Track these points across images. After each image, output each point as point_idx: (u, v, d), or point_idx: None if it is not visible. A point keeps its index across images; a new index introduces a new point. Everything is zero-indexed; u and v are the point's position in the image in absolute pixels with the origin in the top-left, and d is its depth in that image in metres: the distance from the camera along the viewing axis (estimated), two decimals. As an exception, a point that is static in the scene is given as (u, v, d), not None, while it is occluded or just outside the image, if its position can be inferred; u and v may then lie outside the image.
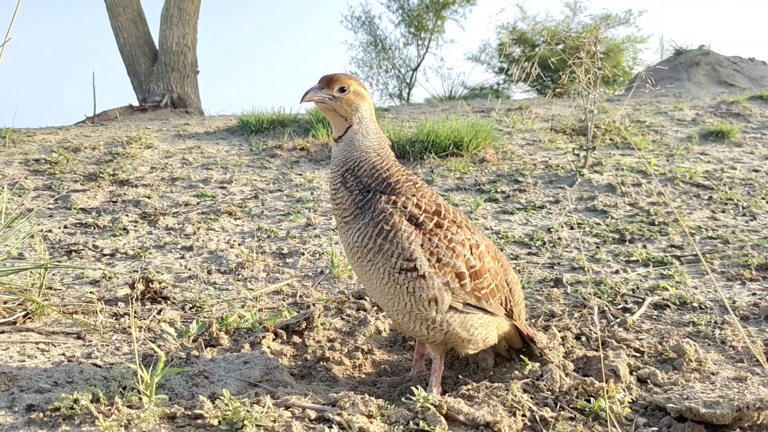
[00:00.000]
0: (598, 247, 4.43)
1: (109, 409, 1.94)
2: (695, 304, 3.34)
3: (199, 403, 2.06)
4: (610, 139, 7.58)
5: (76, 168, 6.42)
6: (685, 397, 2.17)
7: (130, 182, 6.05)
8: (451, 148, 6.86)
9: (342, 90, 2.31)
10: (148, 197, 5.59)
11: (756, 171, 6.67)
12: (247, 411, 1.93)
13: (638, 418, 2.14)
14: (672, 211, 5.26)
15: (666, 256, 4.16)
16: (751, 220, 5.09)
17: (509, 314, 2.49)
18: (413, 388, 2.13)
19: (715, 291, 3.60)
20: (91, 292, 3.50)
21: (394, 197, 2.27)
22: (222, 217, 5.12)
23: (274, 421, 1.97)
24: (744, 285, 3.68)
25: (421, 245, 2.22)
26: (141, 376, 2.04)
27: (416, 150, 6.79)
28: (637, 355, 2.71)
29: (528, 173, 6.27)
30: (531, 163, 6.66)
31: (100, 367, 2.47)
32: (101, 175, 6.11)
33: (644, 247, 4.42)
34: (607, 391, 2.24)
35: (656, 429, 2.08)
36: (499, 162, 6.75)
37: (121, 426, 1.89)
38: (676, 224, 4.90)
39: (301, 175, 6.36)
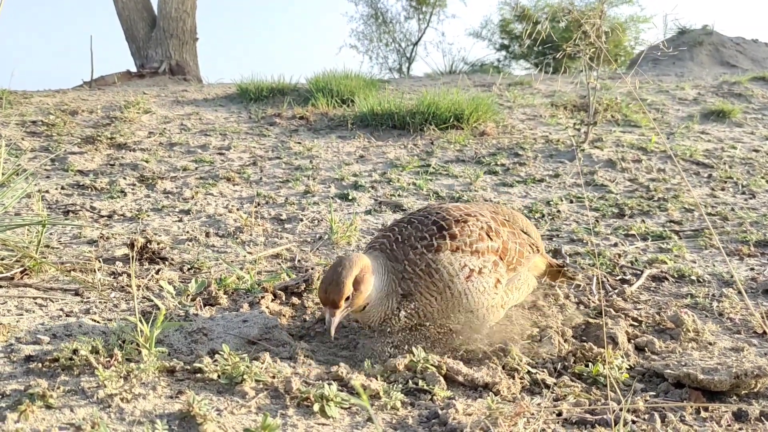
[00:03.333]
0: (597, 221, 4.43)
1: (108, 361, 1.94)
2: (693, 278, 3.35)
3: (198, 358, 2.06)
4: (611, 116, 7.56)
5: (73, 131, 6.38)
6: (683, 364, 2.17)
7: (128, 146, 6.01)
8: (451, 120, 6.83)
9: (348, 299, 2.25)
10: (146, 161, 5.56)
11: (756, 151, 6.66)
12: (247, 366, 1.93)
13: (636, 384, 2.15)
14: (671, 187, 5.25)
15: (665, 231, 4.16)
16: (751, 198, 5.09)
17: (536, 251, 2.65)
18: (413, 348, 2.14)
19: (714, 265, 3.60)
20: (89, 251, 3.49)
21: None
22: (220, 183, 5.10)
23: (274, 377, 1.97)
24: (742, 260, 3.68)
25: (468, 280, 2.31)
26: (140, 329, 2.04)
27: (416, 121, 6.76)
28: (635, 324, 2.72)
29: (528, 147, 6.25)
30: (531, 138, 6.64)
31: (98, 322, 2.46)
32: (99, 138, 6.07)
33: (643, 221, 4.42)
34: (605, 357, 2.24)
35: (654, 394, 2.08)
36: (499, 135, 6.72)
37: (120, 377, 1.88)
38: (676, 200, 4.89)
39: (300, 143, 6.32)
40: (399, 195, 4.89)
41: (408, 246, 2.32)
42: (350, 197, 4.78)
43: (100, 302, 2.75)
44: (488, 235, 2.38)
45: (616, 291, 3.12)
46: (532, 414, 1.83)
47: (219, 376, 1.92)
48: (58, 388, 1.83)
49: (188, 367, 2.02)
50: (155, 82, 10.54)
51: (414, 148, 6.27)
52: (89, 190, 4.82)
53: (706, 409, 1.99)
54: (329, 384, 1.91)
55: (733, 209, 4.72)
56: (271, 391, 1.93)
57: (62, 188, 4.83)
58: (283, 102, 7.77)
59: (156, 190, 4.88)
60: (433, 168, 5.56)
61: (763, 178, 5.63)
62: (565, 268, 2.87)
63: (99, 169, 5.35)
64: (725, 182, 5.50)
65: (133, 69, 11.29)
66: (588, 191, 5.14)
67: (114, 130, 6.44)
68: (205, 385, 1.94)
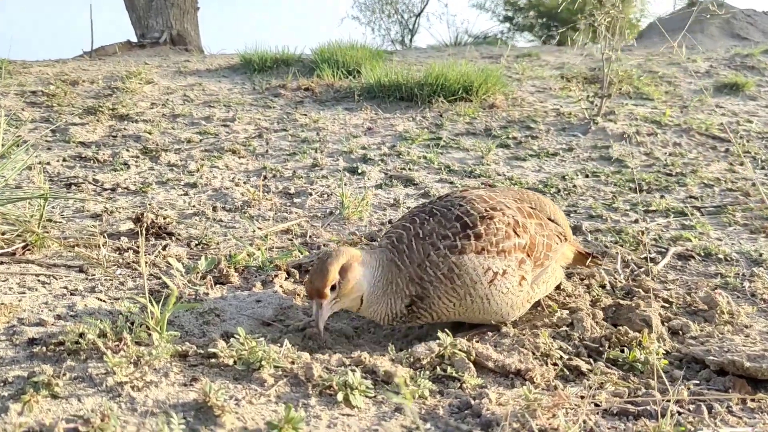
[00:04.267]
0: (614, 197, 4.29)
1: (117, 345, 1.82)
2: (720, 256, 3.22)
3: (212, 342, 1.94)
4: (623, 90, 7.39)
5: (74, 101, 6.21)
6: (725, 350, 2.06)
7: (130, 117, 5.85)
8: (460, 92, 6.66)
9: (334, 288, 2.13)
10: (149, 133, 5.41)
11: (771, 125, 6.51)
12: (264, 351, 1.81)
13: (675, 371, 2.03)
14: (689, 162, 5.11)
15: (686, 207, 4.03)
16: (771, 173, 4.95)
17: (564, 239, 2.52)
18: (440, 332, 2.02)
19: (740, 243, 3.48)
20: (92, 226, 3.36)
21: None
22: (226, 155, 4.95)
23: (293, 363, 1.85)
24: (769, 238, 3.56)
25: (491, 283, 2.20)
26: (151, 310, 1.91)
27: (424, 93, 6.59)
28: (666, 305, 2.59)
29: (540, 120, 6.09)
30: (542, 111, 6.48)
31: (104, 301, 2.34)
32: (100, 109, 5.91)
33: (662, 197, 4.28)
34: (642, 341, 2.13)
35: (696, 382, 1.97)
36: (509, 108, 6.56)
37: (131, 363, 1.76)
38: (694, 175, 4.75)
39: (306, 115, 6.16)
40: (410, 169, 4.75)
41: (429, 244, 2.18)
42: (359, 171, 4.64)
43: (105, 280, 2.63)
44: (515, 232, 2.25)
45: (641, 270, 2.99)
46: (571, 405, 1.71)
47: (235, 362, 1.80)
48: (64, 374, 1.71)
49: (202, 351, 1.89)
50: (156, 52, 10.33)
51: (423, 120, 6.11)
52: (91, 162, 4.68)
53: (752, 399, 1.88)
54: (352, 370, 1.80)
55: (754, 184, 4.58)
56: (291, 378, 1.81)
57: (64, 160, 4.69)
58: (287, 73, 7.59)
59: (160, 162, 4.74)
60: (444, 141, 5.41)
61: (781, 153, 5.48)
62: (594, 256, 2.74)
63: (101, 141, 5.20)
64: (743, 157, 5.35)
65: (134, 39, 11.06)
66: (603, 166, 4.99)
67: (116, 100, 6.28)
68: (221, 371, 1.82)
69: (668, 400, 1.68)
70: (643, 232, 3.54)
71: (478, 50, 10.61)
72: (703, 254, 3.25)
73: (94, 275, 2.66)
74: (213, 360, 1.83)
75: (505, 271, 2.19)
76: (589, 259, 2.72)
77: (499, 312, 2.22)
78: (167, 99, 6.55)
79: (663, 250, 3.30)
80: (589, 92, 6.94)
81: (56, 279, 2.58)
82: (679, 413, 1.74)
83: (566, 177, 4.67)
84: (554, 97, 7.20)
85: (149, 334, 1.91)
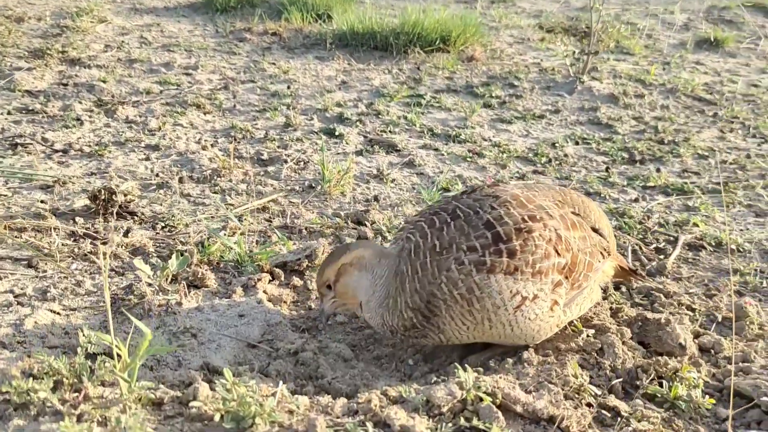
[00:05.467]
0: (608, 168, 4.05)
1: (76, 397, 1.50)
2: (732, 247, 3.02)
3: (192, 383, 1.64)
4: (601, 41, 7.09)
5: (19, 41, 5.65)
6: (777, 386, 1.85)
7: (82, 62, 5.34)
8: (437, 42, 6.29)
9: (330, 288, 1.99)
10: (104, 81, 4.94)
11: (755, 86, 6.32)
12: (257, 403, 1.51)
13: (720, 409, 1.82)
14: (679, 128, 4.89)
15: (685, 183, 3.81)
16: (763, 142, 4.76)
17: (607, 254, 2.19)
18: (458, 368, 1.74)
19: (747, 228, 3.29)
20: (42, 201, 2.97)
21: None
22: (189, 110, 4.54)
23: (291, 413, 1.56)
24: (776, 223, 3.37)
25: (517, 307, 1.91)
26: (117, 351, 1.59)
27: (400, 43, 6.19)
28: (690, 313, 2.38)
29: (523, 77, 5.78)
30: (523, 65, 6.15)
31: (58, 314, 2.01)
32: (49, 51, 5.38)
33: (658, 170, 4.06)
34: (678, 371, 1.90)
35: (746, 424, 1.76)
36: (488, 62, 6.22)
37: (93, 422, 1.45)
38: (688, 144, 4.54)
39: (274, 64, 5.73)
40: (390, 131, 4.42)
41: (451, 259, 1.85)
42: (337, 133, 4.29)
43: (59, 278, 2.28)
44: (556, 250, 1.92)
45: (653, 264, 2.77)
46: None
47: (222, 417, 1.51)
48: (13, 439, 1.40)
49: (180, 395, 1.59)
50: (107, -17, 9.59)
51: (399, 73, 5.74)
52: (40, 116, 4.23)
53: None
54: (362, 427, 1.52)
55: (749, 155, 4.39)
56: (290, 435, 1.53)
57: (8, 113, 4.22)
58: (253, 15, 7.06)
59: (117, 118, 4.31)
60: (425, 99, 5.07)
61: (769, 118, 5.31)
62: (638, 273, 2.40)
63: (50, 90, 4.71)
64: (732, 122, 5.15)
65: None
66: (593, 131, 4.74)
67: (65, 42, 5.74)
68: (204, 428, 1.52)
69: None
70: (648, 216, 3.31)
71: (451, -8, 10.13)
72: (714, 244, 3.04)
73: (45, 272, 2.32)
74: (194, 410, 1.53)
75: (537, 296, 1.89)
76: (632, 274, 2.39)
77: (522, 338, 1.95)
78: (122, 41, 6.02)
79: (671, 237, 3.08)
80: (569, 45, 6.64)
81: (0, 278, 2.22)
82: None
83: (556, 144, 4.40)
84: (534, 49, 6.87)
85: (114, 375, 1.59)
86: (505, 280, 1.86)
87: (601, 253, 2.12)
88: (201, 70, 5.44)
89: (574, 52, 6.04)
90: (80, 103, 4.48)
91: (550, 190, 2.24)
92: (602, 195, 3.63)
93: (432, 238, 1.90)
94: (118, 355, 1.58)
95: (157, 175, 3.46)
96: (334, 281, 1.98)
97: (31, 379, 1.56)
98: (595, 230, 2.18)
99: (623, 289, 2.56)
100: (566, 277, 1.96)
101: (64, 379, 1.58)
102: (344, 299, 2.02)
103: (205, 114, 4.53)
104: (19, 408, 1.51)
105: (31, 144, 3.75)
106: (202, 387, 1.60)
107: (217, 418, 1.50)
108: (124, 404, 1.51)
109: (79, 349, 1.72)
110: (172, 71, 5.37)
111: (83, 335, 1.75)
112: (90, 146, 3.80)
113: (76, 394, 1.53)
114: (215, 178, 3.46)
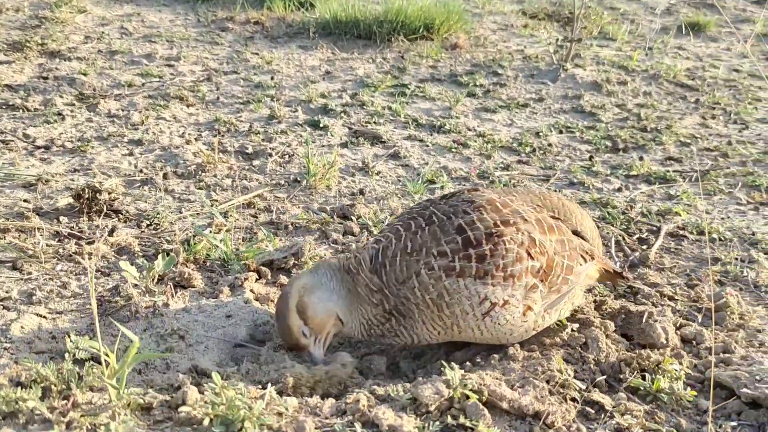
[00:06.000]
0: (591, 157, 4.08)
1: (65, 404, 1.51)
2: (714, 236, 3.06)
3: (180, 387, 1.65)
4: (585, 28, 7.11)
5: (-4, 34, 5.58)
6: (756, 377, 1.88)
7: (62, 54, 5.28)
8: (421, 30, 6.27)
9: (304, 334, 1.94)
10: (84, 74, 4.89)
11: (737, 71, 6.37)
12: (246, 406, 1.52)
13: (701, 401, 1.85)
14: (662, 115, 4.92)
15: (668, 172, 3.85)
16: (744, 129, 4.81)
17: (590, 257, 2.16)
18: (444, 365, 1.76)
19: (729, 216, 3.33)
20: (25, 200, 2.96)
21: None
22: (172, 103, 4.51)
23: (280, 416, 1.58)
24: (758, 210, 3.41)
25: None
26: (104, 359, 1.59)
27: (384, 31, 6.16)
28: (672, 304, 2.41)
29: (507, 65, 5.78)
30: (507, 53, 6.16)
31: (45, 318, 2.00)
32: (28, 44, 5.31)
33: (641, 158, 4.09)
34: (661, 364, 1.93)
35: (735, 425, 1.79)
36: (472, 49, 6.22)
37: (83, 429, 1.46)
38: (670, 131, 4.57)
39: (257, 54, 5.70)
40: (375, 122, 4.42)
41: (420, 261, 1.87)
42: (321, 125, 4.29)
43: (44, 280, 2.28)
44: (528, 253, 1.92)
45: (636, 255, 2.80)
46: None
47: (212, 421, 1.52)
48: (3, 449, 1.41)
49: (168, 399, 1.61)
50: (86, -29, 9.46)
51: (383, 63, 5.73)
52: (20, 111, 4.18)
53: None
54: (351, 429, 1.54)
55: (730, 142, 4.43)
56: (280, 438, 1.54)
57: (-12, 109, 4.18)
58: (235, 3, 7.00)
59: (99, 112, 4.28)
60: (409, 89, 5.06)
61: (750, 104, 5.35)
62: (623, 275, 2.35)
63: (30, 84, 4.66)
64: (713, 108, 5.19)
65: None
66: (576, 120, 4.76)
67: (45, 33, 5.67)
68: (194, 431, 1.54)
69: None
70: (631, 206, 3.34)
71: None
72: (695, 233, 3.08)
73: (30, 274, 2.31)
74: (183, 414, 1.54)
75: (507, 302, 1.89)
76: (618, 277, 2.35)
77: (495, 341, 1.97)
78: (102, 32, 5.95)
79: (654, 227, 3.12)
80: (553, 31, 6.65)
81: (-14, 281, 2.22)
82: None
83: (540, 133, 4.42)
84: (518, 36, 6.87)
85: (102, 381, 1.60)
86: (474, 285, 1.86)
87: (582, 256, 2.11)
88: (183, 61, 5.40)
89: (557, 39, 6.06)
90: (61, 97, 4.44)
91: (530, 194, 2.25)
92: (586, 185, 3.65)
93: (404, 241, 1.91)
94: (106, 362, 1.58)
95: (141, 171, 3.45)
96: (304, 322, 1.91)
97: (19, 388, 1.56)
98: (576, 233, 2.18)
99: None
100: (542, 281, 1.96)
101: (53, 386, 1.59)
102: (324, 330, 1.95)
103: (188, 107, 4.50)
104: (8, 416, 1.51)
105: (13, 141, 3.71)
106: (190, 391, 1.61)
107: (206, 422, 1.51)
108: (113, 410, 1.52)
109: (66, 355, 1.73)
110: (153, 63, 5.32)
111: (70, 341, 1.75)
112: (72, 142, 3.77)
113: (65, 401, 1.54)
114: (200, 173, 3.45)
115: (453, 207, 1.98)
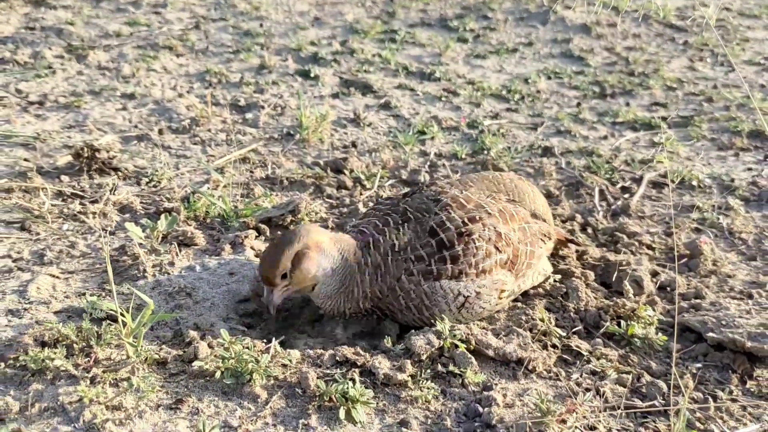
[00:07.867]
0: (579, 104, 4.15)
1: (87, 361, 1.63)
2: (694, 183, 3.16)
3: (191, 343, 1.77)
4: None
5: (-21, -18, 5.50)
6: (723, 323, 2.01)
7: (47, 2, 5.24)
8: (410, -31, 6.22)
9: (285, 276, 1.92)
10: (71, 24, 4.87)
11: (727, 9, 6.38)
12: (255, 361, 1.65)
13: (671, 345, 1.99)
14: (650, 58, 4.97)
15: (653, 118, 3.93)
16: (730, 71, 4.87)
17: (548, 238, 2.30)
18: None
19: (710, 163, 3.43)
20: (26, 159, 3.02)
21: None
22: (162, 53, 4.52)
23: (285, 367, 1.71)
24: (738, 156, 3.51)
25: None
26: (122, 320, 1.70)
27: (372, -28, 6.11)
28: (649, 251, 2.54)
29: (497, 7, 5.78)
30: (496, -7, 6.14)
31: (58, 278, 2.11)
32: (12, -8, 5.25)
33: (627, 104, 4.16)
34: (636, 311, 2.07)
35: (699, 365, 1.93)
36: (462, -10, 6.19)
37: (106, 383, 1.59)
38: (657, 75, 4.63)
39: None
40: (366, 71, 4.45)
41: (402, 266, 1.97)
42: (312, 74, 4.32)
43: (53, 241, 2.37)
44: (496, 247, 2.03)
45: (619, 204, 2.91)
46: (582, 413, 1.65)
47: (222, 374, 1.65)
48: (33, 406, 1.52)
49: (181, 354, 1.73)
50: None
51: (373, 6, 5.71)
52: (11, 65, 4.19)
53: (751, 377, 1.87)
54: (351, 379, 1.67)
55: (716, 86, 4.50)
56: (285, 388, 1.67)
57: (-22, 64, 4.18)
58: (220, -55, 6.89)
59: (89, 64, 4.29)
60: (399, 35, 5.07)
61: (737, 45, 5.39)
62: (575, 240, 2.54)
63: (18, 35, 4.65)
64: (701, 50, 5.24)
65: None
66: (565, 65, 4.80)
67: (28, -20, 5.59)
68: (207, 384, 1.66)
69: (674, 389, 1.63)
70: (615, 155, 3.43)
71: None
72: (676, 181, 3.19)
73: (38, 234, 2.40)
74: (196, 367, 1.67)
75: (479, 293, 2.01)
76: (571, 242, 2.53)
77: (474, 319, 2.08)
78: (87, -22, 5.88)
79: (637, 177, 3.22)
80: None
81: (-4, 242, 2.31)
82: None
83: (529, 80, 4.47)
84: (507, -25, 6.82)
85: (120, 338, 1.72)
86: (449, 284, 1.98)
87: (542, 239, 2.23)
88: (170, 8, 5.37)
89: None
90: (50, 49, 4.43)
91: (484, 180, 2.33)
92: (572, 133, 3.73)
93: (391, 238, 2.01)
94: (123, 321, 1.70)
95: (135, 126, 3.50)
96: (291, 269, 1.93)
97: (45, 348, 1.69)
98: (534, 216, 2.29)
99: (589, 230, 2.71)
100: (510, 270, 2.08)
101: (74, 345, 1.71)
102: (299, 285, 1.99)
103: (177, 57, 4.51)
104: (36, 374, 1.63)
105: (6, 96, 3.74)
106: (201, 346, 1.74)
107: (217, 375, 1.64)
108: (132, 366, 1.65)
109: (84, 315, 1.84)
110: (140, 10, 5.29)
111: (86, 301, 1.86)
112: (65, 96, 3.80)
113: (87, 358, 1.66)
114: (194, 127, 3.51)
115: (423, 205, 2.09)
